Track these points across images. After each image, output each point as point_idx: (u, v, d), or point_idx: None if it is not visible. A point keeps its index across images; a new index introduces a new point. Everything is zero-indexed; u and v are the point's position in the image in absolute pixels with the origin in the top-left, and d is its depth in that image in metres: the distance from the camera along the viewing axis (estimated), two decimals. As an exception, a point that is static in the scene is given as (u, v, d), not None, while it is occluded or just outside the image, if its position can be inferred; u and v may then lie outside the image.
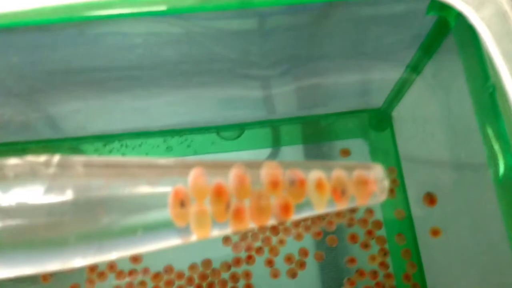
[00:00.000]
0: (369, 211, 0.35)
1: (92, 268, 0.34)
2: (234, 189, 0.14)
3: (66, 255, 0.12)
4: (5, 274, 0.12)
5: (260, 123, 0.38)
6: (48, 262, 0.12)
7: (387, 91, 0.35)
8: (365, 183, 0.16)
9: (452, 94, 0.28)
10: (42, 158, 0.12)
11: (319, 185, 0.15)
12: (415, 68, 0.29)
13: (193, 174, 0.13)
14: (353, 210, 0.35)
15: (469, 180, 0.28)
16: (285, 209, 0.14)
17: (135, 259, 0.34)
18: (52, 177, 0.12)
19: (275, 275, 0.34)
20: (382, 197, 0.17)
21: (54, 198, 0.12)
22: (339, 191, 0.15)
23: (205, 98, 0.35)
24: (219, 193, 0.13)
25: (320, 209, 0.16)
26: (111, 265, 0.34)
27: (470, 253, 0.29)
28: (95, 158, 0.13)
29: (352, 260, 0.34)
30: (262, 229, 0.35)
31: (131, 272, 0.34)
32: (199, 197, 0.13)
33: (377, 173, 0.17)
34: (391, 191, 0.35)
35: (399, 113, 0.36)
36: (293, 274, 0.34)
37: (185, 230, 0.13)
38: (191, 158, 0.14)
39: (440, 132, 0.30)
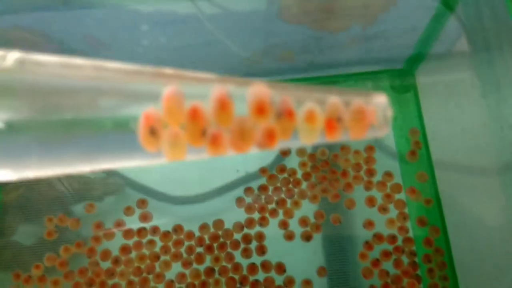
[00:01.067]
0: (388, 174, 0.34)
1: (98, 225, 0.33)
2: (214, 113, 0.12)
3: (19, 156, 0.11)
4: None
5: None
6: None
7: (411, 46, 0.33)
8: (362, 113, 0.14)
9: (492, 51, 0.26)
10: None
11: (309, 118, 0.13)
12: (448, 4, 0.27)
13: (166, 94, 0.12)
14: (371, 174, 0.34)
15: (505, 140, 0.26)
16: (269, 135, 0.13)
17: (144, 216, 0.33)
18: (7, 72, 0.10)
19: (289, 237, 0.33)
20: (385, 130, 0.16)
21: (7, 95, 0.10)
22: (333, 123, 0.14)
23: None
24: (194, 118, 0.12)
25: (307, 142, 0.14)
26: (119, 223, 0.33)
27: (500, 220, 0.28)
28: (62, 58, 0.11)
29: (370, 224, 0.33)
30: (277, 190, 0.34)
31: (140, 231, 0.33)
32: (173, 122, 0.12)
33: (379, 103, 0.15)
34: (413, 153, 0.34)
35: (424, 71, 0.34)
36: (307, 237, 0.33)
37: (156, 153, 0.12)
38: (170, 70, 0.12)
39: (474, 88, 0.28)
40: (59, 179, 0.34)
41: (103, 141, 0.12)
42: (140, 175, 0.34)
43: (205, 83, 0.12)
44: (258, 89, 0.13)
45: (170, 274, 0.32)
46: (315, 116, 0.13)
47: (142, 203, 0.33)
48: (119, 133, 0.12)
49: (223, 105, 0.12)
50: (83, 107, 0.11)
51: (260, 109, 0.12)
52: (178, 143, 0.12)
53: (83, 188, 0.34)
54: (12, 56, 0.10)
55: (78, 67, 0.11)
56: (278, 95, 0.13)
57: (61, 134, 0.11)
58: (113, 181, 0.34)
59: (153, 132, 0.11)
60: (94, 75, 0.11)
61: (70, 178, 0.34)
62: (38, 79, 0.11)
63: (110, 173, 0.34)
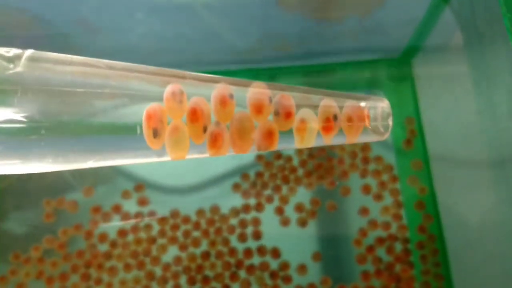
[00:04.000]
0: (384, 162, 0.34)
1: (96, 209, 0.33)
2: (215, 110, 0.12)
3: (32, 151, 0.11)
4: None
5: (260, 71, 0.36)
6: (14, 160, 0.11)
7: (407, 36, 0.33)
8: (356, 117, 0.15)
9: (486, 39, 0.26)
10: (14, 51, 0.11)
11: (300, 128, 0.14)
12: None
13: (167, 93, 0.12)
14: (367, 161, 0.34)
15: (498, 131, 0.27)
16: (268, 136, 0.13)
17: (142, 201, 0.33)
18: (21, 72, 0.11)
19: (285, 223, 0.33)
20: (385, 135, 0.16)
21: (23, 92, 0.10)
22: (327, 128, 0.14)
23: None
24: (194, 118, 0.12)
25: (300, 146, 0.15)
26: (116, 207, 0.33)
27: (492, 209, 0.28)
28: (73, 57, 0.12)
29: (365, 211, 0.33)
30: (272, 177, 0.34)
31: (137, 215, 0.33)
32: (174, 117, 0.12)
33: (382, 108, 0.15)
34: (408, 141, 0.34)
35: (421, 61, 0.34)
36: (303, 223, 0.33)
37: (160, 151, 0.12)
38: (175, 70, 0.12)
39: (468, 79, 0.29)
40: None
41: (110, 140, 0.12)
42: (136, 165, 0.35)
43: (208, 82, 0.13)
44: (257, 90, 0.13)
45: (167, 257, 0.32)
46: (305, 127, 0.14)
47: (139, 188, 0.34)
48: (126, 133, 0.12)
49: (223, 103, 0.12)
50: (91, 105, 0.11)
51: (258, 109, 0.13)
52: (180, 143, 0.12)
53: (78, 177, 0.34)
54: (27, 55, 0.11)
55: (89, 65, 0.12)
56: (278, 95, 0.13)
57: (71, 131, 0.11)
58: (107, 171, 0.34)
59: (156, 134, 0.12)
60: (103, 73, 0.12)
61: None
62: (50, 77, 0.11)
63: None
